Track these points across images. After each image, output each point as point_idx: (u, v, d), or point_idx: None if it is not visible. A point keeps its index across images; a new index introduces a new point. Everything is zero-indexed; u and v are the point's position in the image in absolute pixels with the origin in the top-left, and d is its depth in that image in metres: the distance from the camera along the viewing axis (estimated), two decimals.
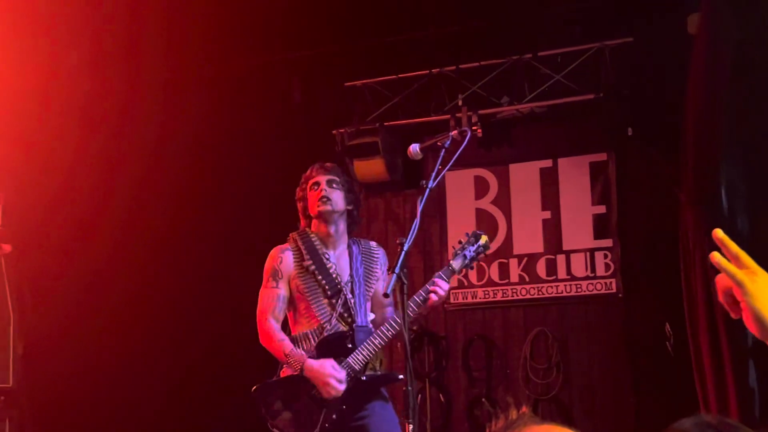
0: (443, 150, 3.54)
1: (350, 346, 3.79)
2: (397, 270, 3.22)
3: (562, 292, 6.49)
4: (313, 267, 3.87)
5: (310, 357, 3.76)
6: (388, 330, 3.77)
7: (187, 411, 6.28)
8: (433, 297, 3.72)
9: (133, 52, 6.03)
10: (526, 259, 6.60)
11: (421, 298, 3.74)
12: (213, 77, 6.47)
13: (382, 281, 4.00)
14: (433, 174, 3.45)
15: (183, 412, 6.26)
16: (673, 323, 5.67)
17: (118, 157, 6.38)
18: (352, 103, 6.68)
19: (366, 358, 3.76)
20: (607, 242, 6.42)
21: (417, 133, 6.05)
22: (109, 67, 6.18)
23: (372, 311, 4.00)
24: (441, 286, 3.73)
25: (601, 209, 6.48)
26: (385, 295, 3.30)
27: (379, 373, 3.86)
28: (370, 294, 3.97)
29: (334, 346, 3.81)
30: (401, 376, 3.72)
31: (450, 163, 3.52)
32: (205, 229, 6.59)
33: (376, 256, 4.04)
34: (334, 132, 6.64)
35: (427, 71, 6.53)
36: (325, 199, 3.89)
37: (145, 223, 6.42)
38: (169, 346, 6.35)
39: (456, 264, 3.84)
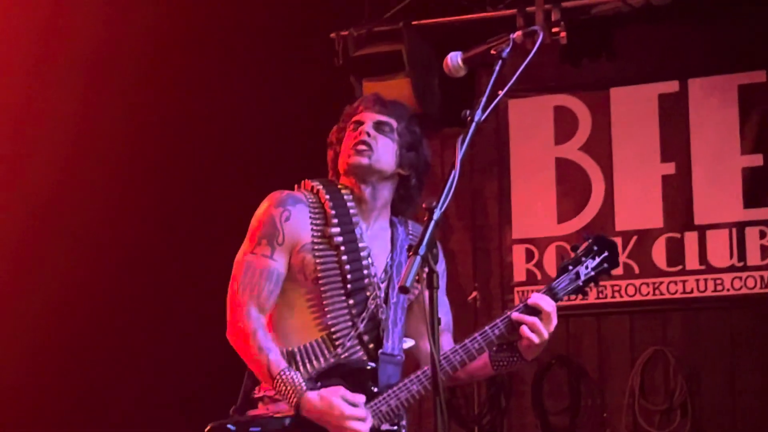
0: (499, 63, 3.34)
1: (373, 388, 3.73)
2: (421, 250, 3.01)
3: (692, 292, 6.45)
4: (340, 239, 3.77)
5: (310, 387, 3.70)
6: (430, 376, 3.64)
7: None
8: (532, 337, 3.56)
9: None
10: (635, 238, 6.58)
11: (496, 332, 3.61)
12: None
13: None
14: (483, 101, 3.22)
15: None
16: None
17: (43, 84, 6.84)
18: None
19: (392, 413, 3.71)
20: (766, 213, 6.42)
21: (463, 38, 5.77)
22: None
23: (409, 335, 3.95)
24: (545, 313, 3.58)
25: (757, 160, 6.46)
26: (402, 289, 3.05)
27: None
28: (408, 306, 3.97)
29: (349, 383, 3.73)
30: None
31: (509, 85, 3.25)
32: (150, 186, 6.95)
33: None
34: (332, 35, 6.66)
35: None
36: (362, 148, 3.79)
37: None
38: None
39: (562, 285, 3.72)
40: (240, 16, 6.83)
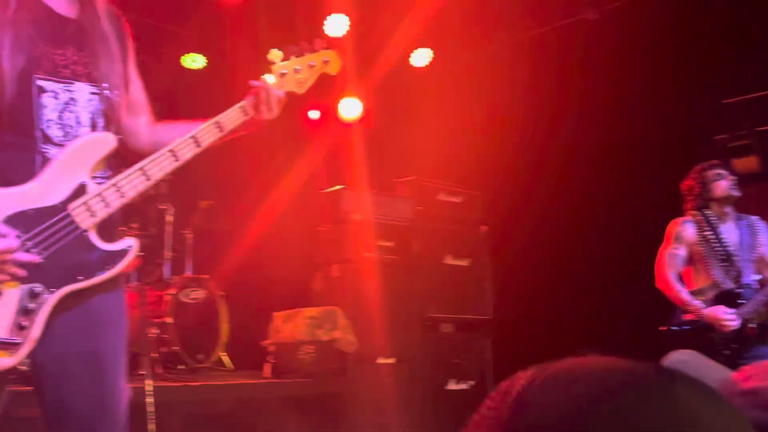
0: None
1: (740, 300, 5.29)
2: None
3: None
4: (710, 236, 5.41)
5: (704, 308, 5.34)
6: None
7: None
8: None
9: None
10: None
11: None
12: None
13: (765, 247, 5.58)
14: None
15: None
16: None
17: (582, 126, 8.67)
18: (729, 116, 7.57)
19: (753, 310, 5.23)
20: None
21: None
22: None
23: (760, 272, 5.55)
24: None
25: None
26: None
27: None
28: (755, 258, 5.58)
29: (727, 300, 5.36)
30: None
31: None
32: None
33: (758, 227, 5.65)
34: (714, 138, 7.74)
35: None
36: (736, 187, 5.46)
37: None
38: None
39: None
40: (651, 130, 8.19)
